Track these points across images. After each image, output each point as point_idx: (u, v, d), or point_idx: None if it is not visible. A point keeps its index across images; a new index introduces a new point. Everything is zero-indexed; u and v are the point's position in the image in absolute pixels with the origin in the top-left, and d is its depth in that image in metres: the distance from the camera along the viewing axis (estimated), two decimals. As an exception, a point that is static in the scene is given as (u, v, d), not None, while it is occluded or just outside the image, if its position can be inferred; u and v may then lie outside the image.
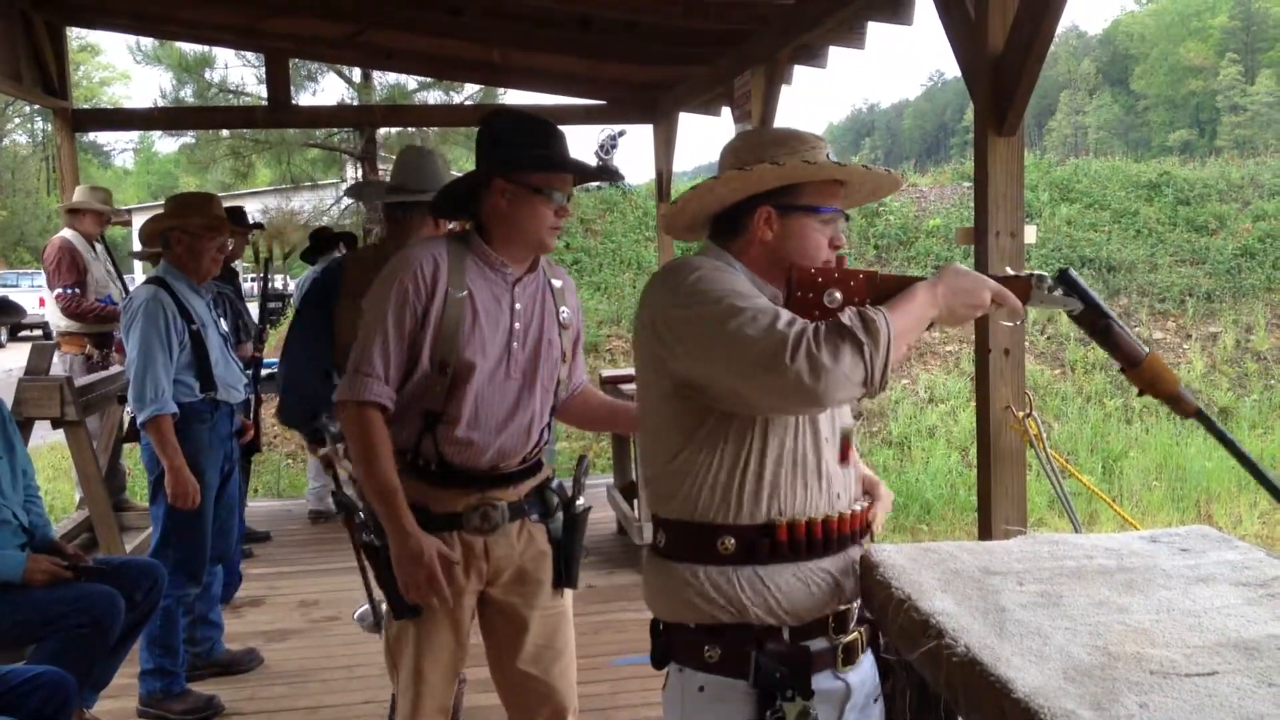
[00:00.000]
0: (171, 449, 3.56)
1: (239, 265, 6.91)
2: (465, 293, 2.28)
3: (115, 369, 5.50)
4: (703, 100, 6.69)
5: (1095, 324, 1.79)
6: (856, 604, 1.74)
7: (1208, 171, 16.48)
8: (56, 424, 4.76)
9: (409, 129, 12.22)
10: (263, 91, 9.12)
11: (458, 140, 12.01)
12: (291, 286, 13.61)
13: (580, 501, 2.52)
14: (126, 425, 5.05)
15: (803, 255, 1.69)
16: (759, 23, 5.18)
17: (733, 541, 1.64)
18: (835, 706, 1.70)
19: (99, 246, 6.04)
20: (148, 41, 11.27)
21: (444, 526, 2.33)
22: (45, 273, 5.92)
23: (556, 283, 2.48)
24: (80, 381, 4.98)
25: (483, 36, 6.59)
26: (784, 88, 5.30)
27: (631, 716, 3.67)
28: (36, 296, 16.46)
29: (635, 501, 5.39)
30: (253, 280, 16.00)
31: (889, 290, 1.62)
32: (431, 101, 11.93)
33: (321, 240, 6.69)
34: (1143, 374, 1.81)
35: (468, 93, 11.79)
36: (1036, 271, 1.74)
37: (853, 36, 5.03)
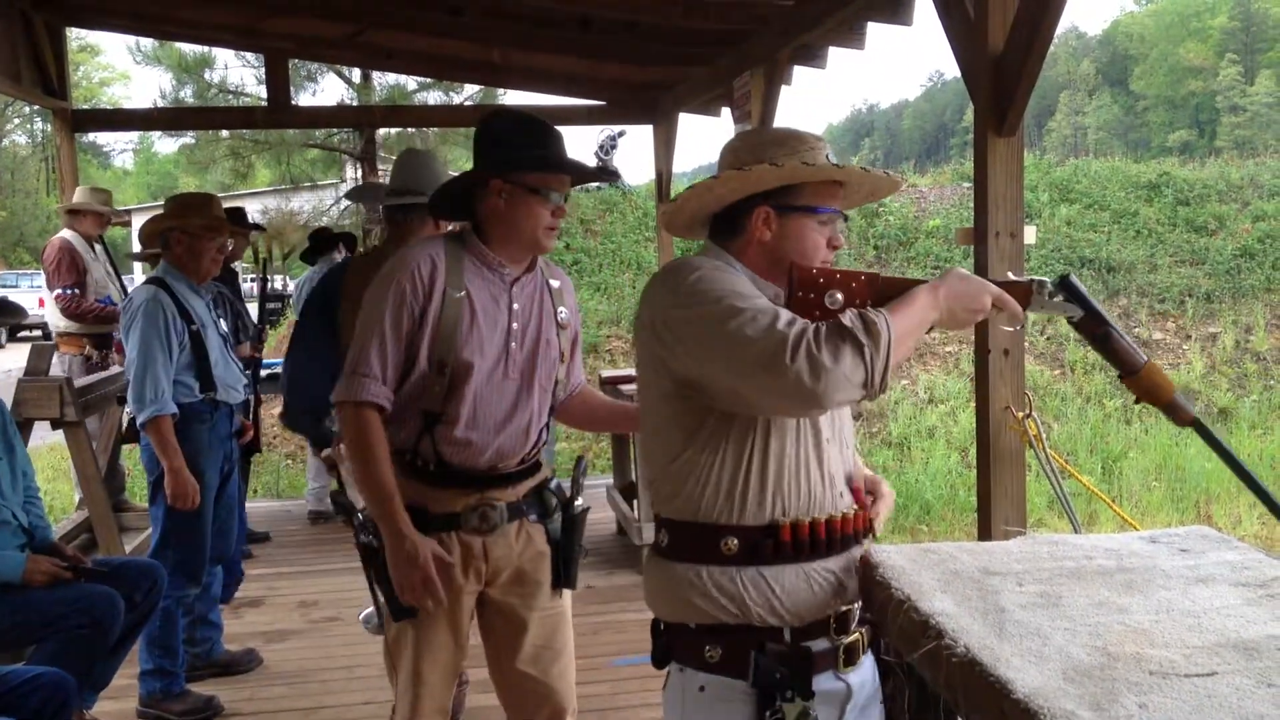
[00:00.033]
0: (171, 450, 3.56)
1: (238, 266, 6.91)
2: (463, 293, 2.28)
3: (115, 369, 5.50)
4: (702, 101, 6.69)
5: (1094, 331, 1.79)
6: (858, 605, 1.74)
7: (1207, 172, 16.48)
8: (56, 425, 4.75)
9: (409, 129, 12.23)
10: (262, 92, 9.13)
11: (457, 141, 12.02)
12: (291, 287, 13.60)
13: (579, 502, 2.52)
14: (126, 426, 5.06)
15: (801, 255, 1.69)
16: (759, 23, 5.18)
17: (736, 542, 1.64)
18: (836, 707, 1.70)
19: (98, 247, 6.05)
20: (147, 42, 11.27)
21: (443, 527, 2.33)
22: (45, 273, 5.92)
23: (554, 283, 2.48)
24: (80, 382, 4.98)
25: (482, 37, 6.59)
26: (784, 88, 5.30)
27: (631, 717, 3.67)
28: (36, 297, 16.44)
29: (635, 502, 5.39)
30: (252, 281, 16.01)
31: (891, 292, 1.62)
32: (431, 102, 11.94)
33: (321, 241, 6.70)
34: (1140, 382, 1.81)
35: (467, 93, 11.80)
36: (1037, 277, 1.74)
37: (852, 37, 5.04)
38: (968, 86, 3.14)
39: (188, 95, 11.75)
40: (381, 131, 12.33)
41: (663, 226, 1.97)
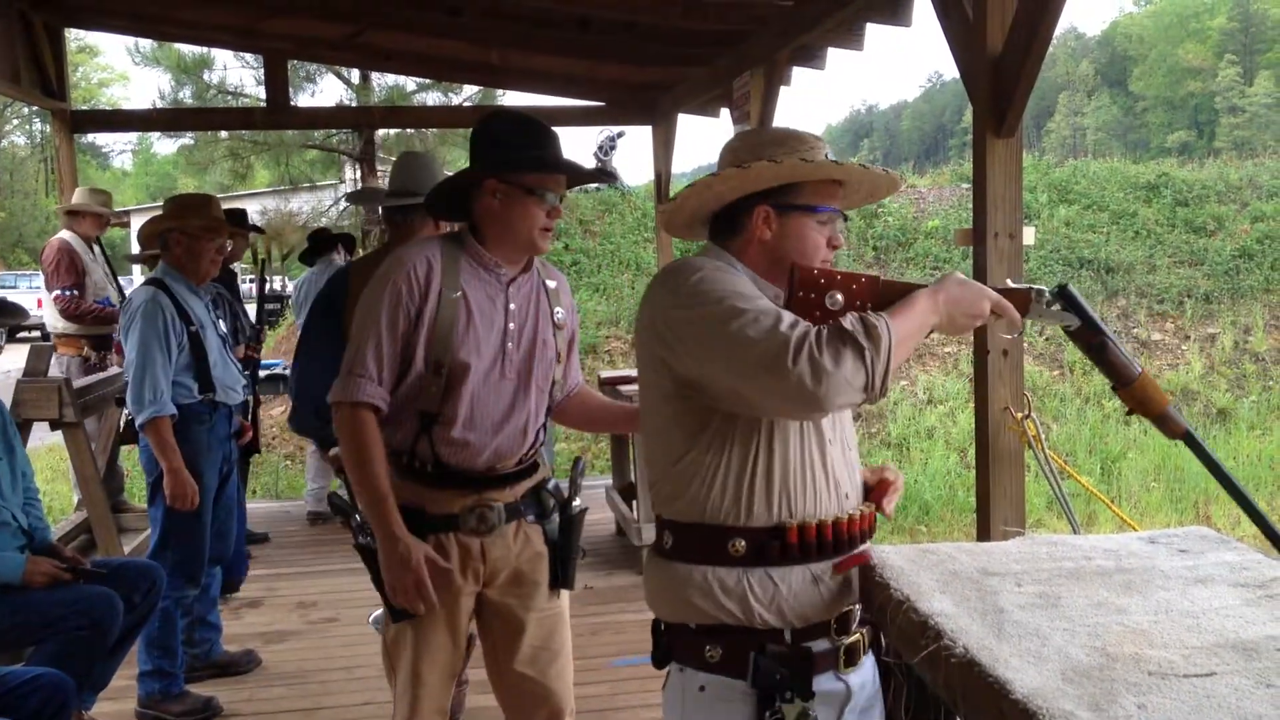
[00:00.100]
0: (170, 450, 3.56)
1: (238, 267, 6.91)
2: (459, 293, 2.28)
3: (113, 370, 5.49)
4: (701, 101, 6.69)
5: (1090, 341, 1.80)
6: (859, 605, 1.75)
7: (1206, 173, 16.49)
8: (55, 425, 4.75)
9: (407, 130, 12.24)
10: (261, 93, 9.14)
11: (456, 142, 12.02)
12: (290, 288, 13.60)
13: (576, 502, 2.52)
14: (124, 426, 5.06)
15: (801, 255, 1.70)
16: (758, 23, 5.18)
17: (744, 543, 1.64)
18: (835, 708, 1.70)
19: (95, 248, 6.04)
20: (146, 43, 11.28)
21: (440, 528, 2.33)
22: (43, 274, 5.92)
23: (551, 283, 2.48)
24: (78, 383, 4.98)
25: (481, 37, 6.59)
26: (783, 89, 5.30)
27: (630, 718, 3.67)
28: (35, 298, 16.43)
29: (634, 503, 5.39)
30: (251, 282, 16.01)
31: (892, 295, 1.62)
32: (430, 103, 11.94)
33: (320, 242, 6.70)
34: (1134, 393, 1.82)
35: (466, 94, 11.80)
36: (1036, 285, 1.74)
37: (851, 38, 5.04)
38: (966, 87, 3.15)
39: (187, 96, 11.76)
40: (380, 132, 12.34)
41: (662, 227, 1.97)
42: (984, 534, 3.11)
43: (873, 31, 4.94)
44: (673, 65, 6.49)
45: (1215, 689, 1.26)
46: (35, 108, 17.02)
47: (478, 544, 2.36)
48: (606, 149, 16.79)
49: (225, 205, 4.40)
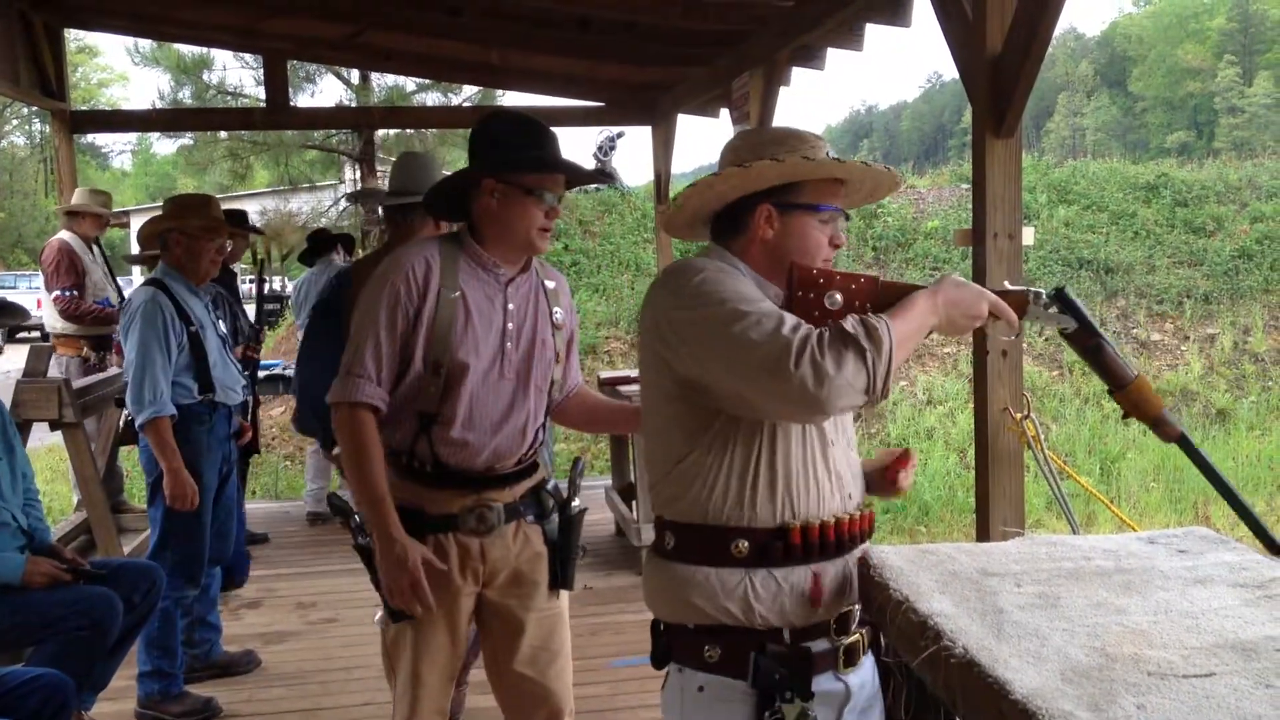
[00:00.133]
0: (170, 451, 3.56)
1: (237, 268, 6.91)
2: (457, 293, 2.29)
3: (113, 370, 5.49)
4: (701, 102, 6.69)
5: (1086, 344, 1.81)
6: (858, 606, 1.75)
7: (1205, 173, 16.49)
8: (54, 426, 4.75)
9: (407, 131, 12.24)
10: (261, 93, 9.14)
11: (456, 142, 12.02)
12: (289, 288, 13.60)
13: (576, 503, 2.52)
14: (124, 427, 5.06)
15: (803, 254, 1.70)
16: (757, 24, 5.18)
17: (747, 544, 1.64)
18: (834, 708, 1.70)
19: (94, 249, 6.04)
20: (146, 43, 11.29)
21: (440, 528, 2.33)
22: (43, 275, 5.92)
23: (550, 283, 2.48)
24: (78, 383, 4.98)
25: (481, 37, 6.59)
26: (782, 89, 5.30)
27: (629, 718, 3.66)
28: (34, 298, 16.43)
29: (633, 503, 5.39)
30: (250, 282, 16.02)
31: (891, 296, 1.62)
32: (430, 103, 11.95)
33: (319, 242, 6.70)
34: (1129, 396, 1.83)
35: (466, 94, 11.81)
36: (1034, 288, 1.75)
37: (851, 38, 5.04)
38: (966, 88, 3.15)
39: (186, 96, 11.76)
40: (380, 133, 12.34)
41: (662, 227, 1.97)
42: (983, 534, 3.11)
43: (872, 32, 4.94)
44: (672, 65, 6.49)
45: (1214, 689, 1.26)
46: (35, 108, 17.02)
47: (477, 544, 2.36)
48: (606, 149, 16.79)
49: (225, 206, 4.39)
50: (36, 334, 17.52)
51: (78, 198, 6.10)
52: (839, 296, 1.61)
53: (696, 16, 5.22)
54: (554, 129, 2.39)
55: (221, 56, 15.46)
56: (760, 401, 1.56)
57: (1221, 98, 57.52)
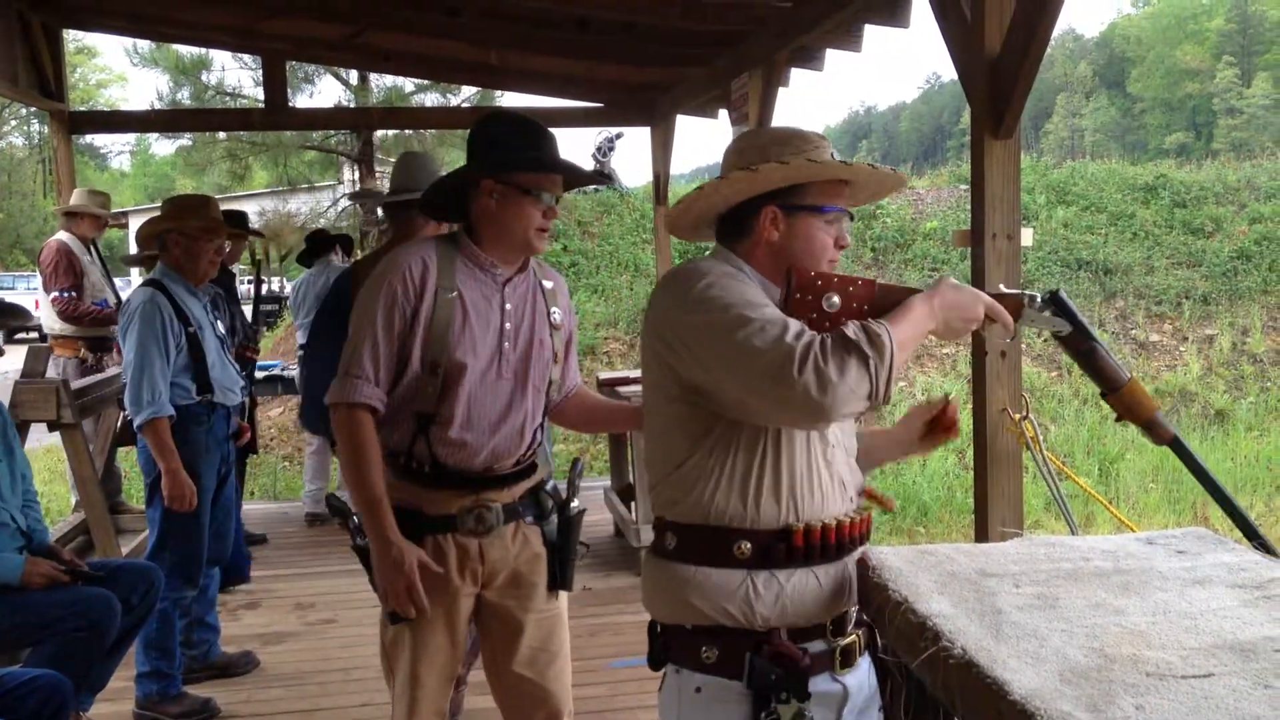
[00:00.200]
0: (168, 452, 3.56)
1: (236, 268, 6.91)
2: (455, 293, 2.28)
3: (111, 371, 5.49)
4: (700, 102, 6.69)
5: (1080, 347, 1.81)
6: (855, 607, 1.75)
7: (1204, 174, 16.49)
8: (53, 427, 4.75)
9: (406, 131, 12.22)
10: (260, 94, 9.13)
11: (455, 143, 12.01)
12: (288, 289, 13.60)
13: (575, 503, 2.52)
14: (122, 427, 5.05)
15: (809, 255, 1.70)
16: (756, 24, 5.18)
17: (749, 546, 1.64)
18: (833, 709, 1.70)
19: (92, 250, 6.03)
20: (144, 44, 11.26)
21: (438, 529, 2.33)
22: (41, 276, 5.91)
23: (548, 284, 2.48)
24: (76, 384, 4.98)
25: (480, 38, 6.59)
26: (781, 90, 5.30)
27: (628, 719, 3.66)
28: (32, 299, 16.41)
29: (632, 504, 5.39)
30: (248, 283, 16.03)
31: (888, 298, 1.62)
32: (428, 104, 11.94)
33: (318, 243, 6.70)
34: (1122, 399, 1.84)
35: (464, 95, 11.80)
36: (1029, 291, 1.75)
37: (850, 39, 5.04)
38: (965, 89, 3.15)
39: (185, 97, 11.74)
40: (379, 133, 12.33)
41: (667, 229, 1.97)
42: (982, 535, 3.11)
43: (871, 33, 4.95)
44: (671, 66, 6.49)
45: (1213, 690, 1.26)
46: (33, 109, 17.00)
47: (476, 545, 2.36)
48: (605, 150, 16.79)
49: (224, 207, 4.39)
50: (34, 335, 17.52)
51: (76, 198, 6.09)
52: (836, 299, 1.61)
53: (695, 17, 5.22)
54: (553, 130, 2.39)
55: (220, 57, 15.47)
56: (764, 408, 1.56)
57: (1220, 99, 57.58)
